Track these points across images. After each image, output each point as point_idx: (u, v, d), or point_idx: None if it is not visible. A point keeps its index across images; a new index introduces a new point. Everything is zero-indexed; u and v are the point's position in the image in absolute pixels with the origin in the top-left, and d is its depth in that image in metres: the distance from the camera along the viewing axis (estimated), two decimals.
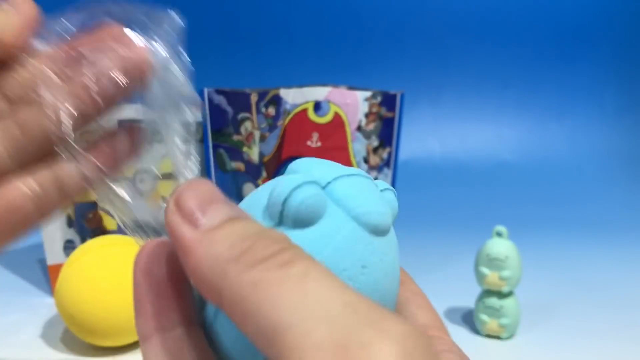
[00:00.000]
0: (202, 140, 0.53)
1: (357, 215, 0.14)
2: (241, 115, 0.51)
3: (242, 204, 0.15)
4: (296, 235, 0.13)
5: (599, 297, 0.53)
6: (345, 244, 0.14)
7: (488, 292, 0.44)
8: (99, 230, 0.48)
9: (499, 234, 0.45)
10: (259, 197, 0.15)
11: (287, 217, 0.14)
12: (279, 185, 0.14)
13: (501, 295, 0.44)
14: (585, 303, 0.52)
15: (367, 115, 0.52)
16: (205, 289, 0.12)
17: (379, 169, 0.54)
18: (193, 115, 0.17)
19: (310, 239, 0.14)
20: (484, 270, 0.43)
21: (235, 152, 0.51)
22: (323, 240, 0.14)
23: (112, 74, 0.16)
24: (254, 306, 0.11)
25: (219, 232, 0.12)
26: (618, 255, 0.66)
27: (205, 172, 0.54)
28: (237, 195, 0.52)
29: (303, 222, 0.14)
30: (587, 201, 0.95)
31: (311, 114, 0.50)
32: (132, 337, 0.41)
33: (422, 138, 1.11)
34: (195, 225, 0.12)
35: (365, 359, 0.09)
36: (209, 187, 0.13)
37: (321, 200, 0.14)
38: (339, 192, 0.14)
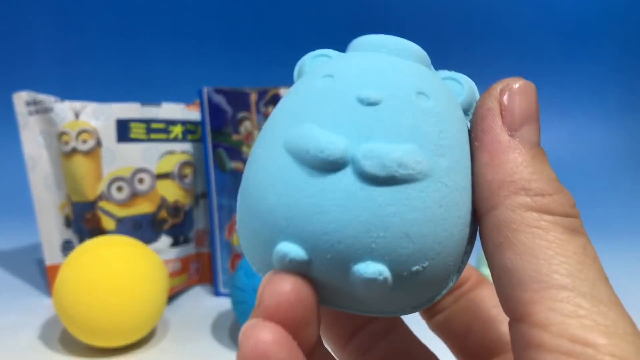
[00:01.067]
0: (201, 140, 0.52)
1: None
2: (240, 114, 0.51)
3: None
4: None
5: None
6: None
7: None
8: (98, 230, 0.48)
9: None
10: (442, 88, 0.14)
11: (471, 112, 0.14)
12: (468, 79, 0.15)
13: None
14: None
15: None
16: (485, 187, 0.13)
17: None
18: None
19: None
20: (486, 271, 0.43)
21: (235, 151, 0.51)
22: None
23: None
24: (525, 246, 0.12)
25: (527, 157, 0.13)
26: (621, 255, 0.66)
27: (204, 172, 0.53)
28: (236, 196, 0.52)
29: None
30: (589, 201, 0.94)
31: None
32: (131, 338, 0.40)
33: None
34: (511, 132, 0.13)
35: None
36: (534, 99, 0.14)
37: None
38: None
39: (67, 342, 0.42)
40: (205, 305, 0.50)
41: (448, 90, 0.14)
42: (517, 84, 0.14)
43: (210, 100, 0.50)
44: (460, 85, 0.15)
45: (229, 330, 0.45)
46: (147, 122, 0.50)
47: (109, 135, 0.48)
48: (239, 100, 0.51)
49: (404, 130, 0.12)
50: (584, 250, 0.12)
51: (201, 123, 0.51)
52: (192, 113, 0.53)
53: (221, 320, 0.47)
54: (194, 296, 0.53)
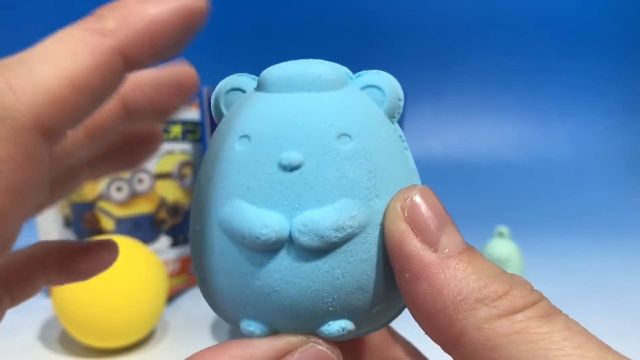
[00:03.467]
0: (201, 140, 0.52)
1: None
2: None
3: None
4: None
5: (603, 298, 0.53)
6: None
7: None
8: (96, 230, 0.48)
9: (500, 235, 0.45)
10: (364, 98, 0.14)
11: (398, 113, 0.14)
12: (389, 80, 0.14)
13: None
14: (589, 304, 0.51)
15: None
16: (440, 318, 0.12)
17: None
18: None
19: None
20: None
21: None
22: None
23: None
24: (509, 354, 0.11)
25: (462, 264, 0.12)
26: (622, 255, 0.66)
27: None
28: None
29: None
30: (590, 201, 0.94)
31: None
32: (130, 339, 0.40)
33: (423, 137, 1.10)
34: (434, 247, 0.12)
35: None
36: (438, 202, 0.13)
37: None
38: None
39: (66, 342, 0.42)
40: (205, 305, 0.50)
41: (370, 109, 0.14)
42: (414, 194, 0.13)
43: (210, 100, 0.50)
44: (380, 92, 0.14)
45: (228, 331, 0.45)
46: None
47: None
48: None
49: (332, 187, 0.12)
50: (570, 329, 0.11)
51: (201, 123, 0.51)
52: (191, 113, 0.53)
53: (221, 321, 0.47)
54: (193, 297, 0.53)
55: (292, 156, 0.12)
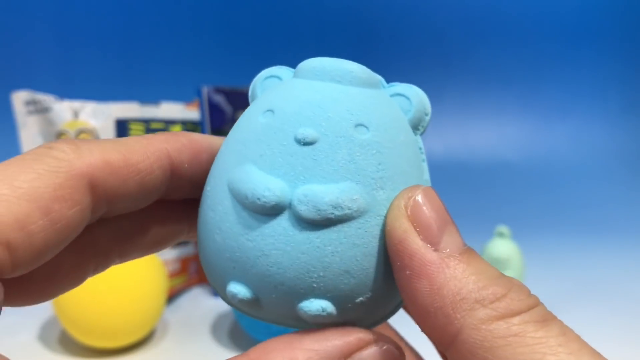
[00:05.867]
0: None
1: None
2: (240, 114, 0.50)
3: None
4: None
5: (603, 298, 0.53)
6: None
7: None
8: None
9: (500, 235, 0.45)
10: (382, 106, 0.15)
11: (422, 126, 0.15)
12: (419, 93, 0.15)
13: None
14: (589, 304, 0.51)
15: None
16: (439, 317, 0.12)
17: None
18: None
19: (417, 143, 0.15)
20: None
21: None
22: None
23: None
24: (506, 356, 0.11)
25: (462, 265, 0.12)
26: (623, 255, 0.66)
27: None
28: None
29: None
30: (590, 201, 0.94)
31: None
32: (131, 339, 0.40)
33: (423, 137, 1.10)
34: (435, 246, 0.12)
35: None
36: (440, 203, 0.13)
37: None
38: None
39: (66, 342, 0.42)
40: (205, 305, 0.50)
41: (394, 112, 0.14)
42: (418, 194, 0.13)
43: (209, 100, 0.50)
44: (408, 102, 0.15)
45: (228, 331, 0.45)
46: (146, 121, 0.50)
47: (108, 135, 0.48)
48: (238, 100, 0.50)
49: (340, 168, 0.13)
50: (565, 335, 0.11)
51: (201, 123, 0.51)
52: (191, 113, 0.53)
53: (220, 321, 0.46)
54: (193, 297, 0.53)
55: (307, 132, 0.13)
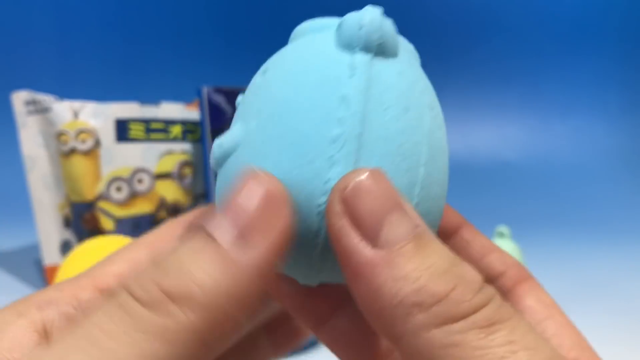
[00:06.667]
0: (201, 140, 0.52)
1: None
2: None
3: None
4: (385, 66, 0.13)
5: (603, 298, 0.53)
6: (425, 79, 0.14)
7: None
8: (96, 230, 0.48)
9: (501, 235, 0.45)
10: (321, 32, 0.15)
11: (374, 45, 0.13)
12: (367, 12, 0.13)
13: None
14: (590, 304, 0.51)
15: None
16: (380, 319, 0.11)
17: None
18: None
19: (400, 70, 0.13)
20: None
21: None
22: (415, 71, 0.14)
23: None
24: None
25: (403, 260, 0.10)
26: (623, 255, 0.66)
27: (204, 172, 0.53)
28: None
29: (390, 51, 0.13)
30: (591, 201, 0.94)
31: None
32: None
33: None
34: (373, 242, 0.11)
35: None
36: (386, 185, 0.11)
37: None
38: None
39: None
40: None
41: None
42: (354, 182, 0.11)
43: (209, 100, 0.50)
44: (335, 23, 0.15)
45: None
46: (146, 121, 0.50)
47: (108, 135, 0.48)
48: None
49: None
50: (513, 343, 0.10)
51: (201, 123, 0.51)
52: (191, 113, 0.53)
53: None
54: None
55: None
